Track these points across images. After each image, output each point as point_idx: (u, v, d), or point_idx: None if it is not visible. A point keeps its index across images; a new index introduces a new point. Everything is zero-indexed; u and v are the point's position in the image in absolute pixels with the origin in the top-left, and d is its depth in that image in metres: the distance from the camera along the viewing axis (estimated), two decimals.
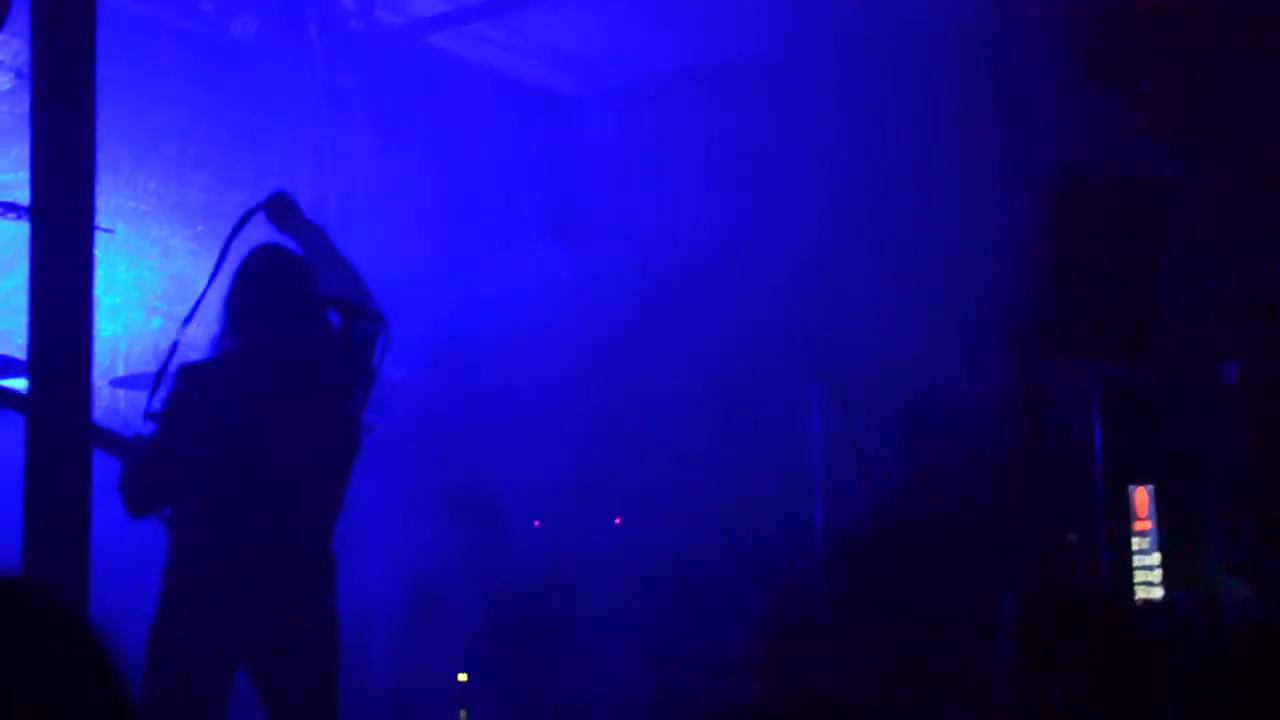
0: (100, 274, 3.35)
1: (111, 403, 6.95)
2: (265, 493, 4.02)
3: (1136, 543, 6.72)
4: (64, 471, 3.29)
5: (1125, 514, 6.73)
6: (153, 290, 7.42)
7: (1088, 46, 7.04)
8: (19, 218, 3.51)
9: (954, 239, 7.73)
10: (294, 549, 4.02)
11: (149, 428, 4.09)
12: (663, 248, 8.22)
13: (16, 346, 6.24)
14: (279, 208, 4.29)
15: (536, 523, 6.32)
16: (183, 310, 7.50)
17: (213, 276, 4.27)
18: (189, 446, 4.00)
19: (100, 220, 3.41)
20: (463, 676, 6.21)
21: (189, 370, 4.17)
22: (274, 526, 4.00)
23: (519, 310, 7.46)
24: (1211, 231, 6.86)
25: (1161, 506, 6.78)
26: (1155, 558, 6.73)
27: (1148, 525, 6.75)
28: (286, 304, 4.18)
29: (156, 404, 4.09)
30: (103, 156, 3.43)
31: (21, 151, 5.82)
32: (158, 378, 4.07)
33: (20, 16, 3.54)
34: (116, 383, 6.96)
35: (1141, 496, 6.79)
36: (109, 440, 4.23)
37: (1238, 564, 6.37)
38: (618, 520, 6.26)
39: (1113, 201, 6.70)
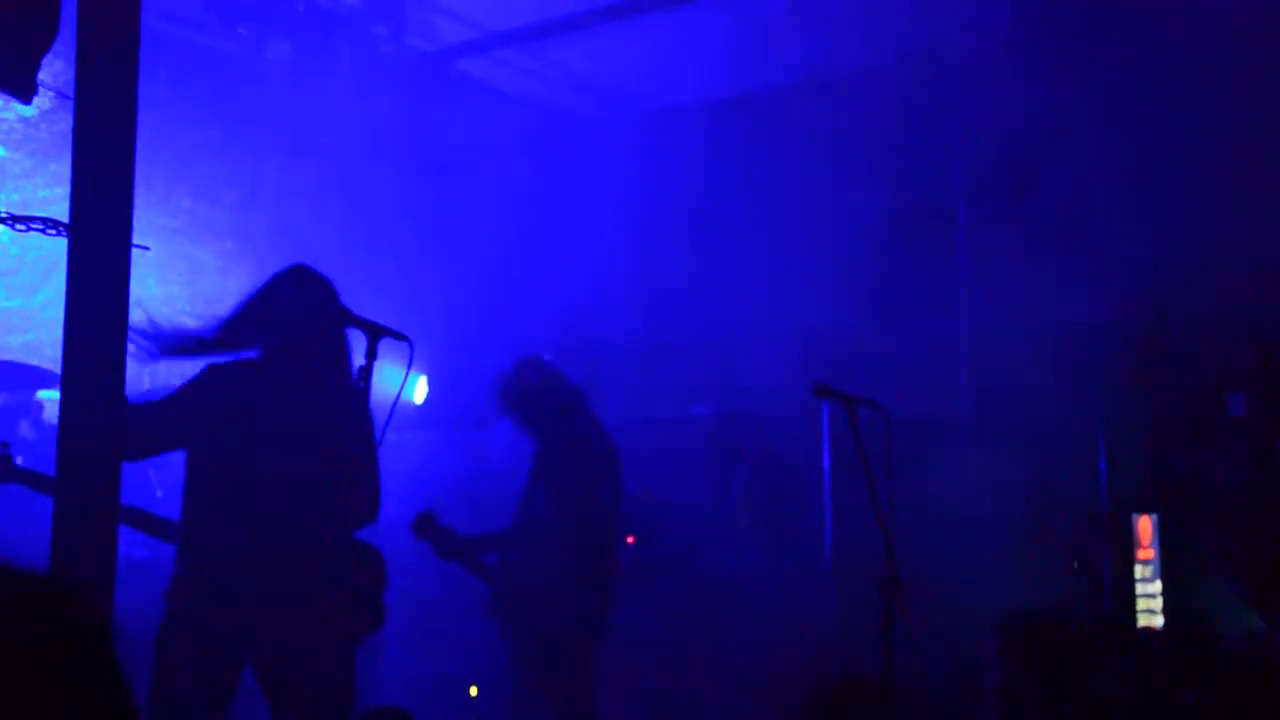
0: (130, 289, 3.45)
1: None
2: (276, 499, 4.11)
3: (1139, 571, 6.76)
4: (95, 481, 3.39)
5: (1128, 542, 6.78)
6: (181, 306, 7.55)
7: None
8: (58, 234, 3.61)
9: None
10: (302, 555, 4.10)
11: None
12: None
13: (48, 359, 6.39)
14: None
15: (630, 538, 6.36)
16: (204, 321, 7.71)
17: None
18: (180, 413, 4.18)
19: (132, 236, 3.50)
20: (473, 690, 6.30)
21: (216, 370, 4.29)
22: (282, 533, 4.09)
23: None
24: (1223, 259, 6.93)
25: (1165, 536, 6.82)
26: (1157, 586, 6.77)
27: (1150, 554, 6.79)
28: (311, 321, 4.29)
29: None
30: (137, 174, 3.53)
31: (59, 168, 5.97)
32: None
33: (61, 37, 3.66)
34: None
35: (1145, 525, 6.83)
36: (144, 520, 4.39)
37: (1254, 597, 6.40)
38: (630, 539, 6.33)
39: None
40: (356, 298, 4.37)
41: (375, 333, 3.92)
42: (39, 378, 6.07)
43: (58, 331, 3.39)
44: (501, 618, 5.34)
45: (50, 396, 5.93)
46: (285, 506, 4.15)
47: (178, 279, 7.47)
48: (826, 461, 6.31)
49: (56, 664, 1.23)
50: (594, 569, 5.23)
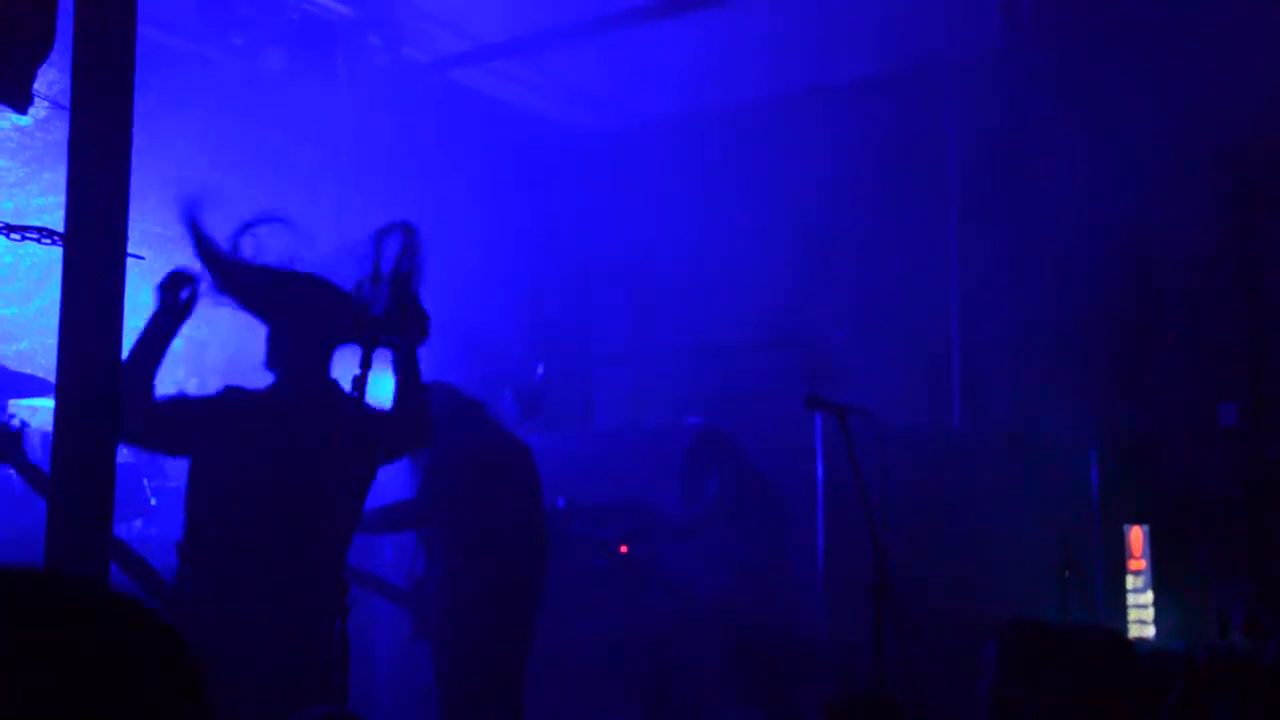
0: (126, 297, 3.46)
1: None
2: (291, 524, 4.05)
3: (1131, 581, 6.79)
4: (89, 491, 3.39)
5: (1120, 553, 6.80)
6: None
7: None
8: (53, 243, 3.62)
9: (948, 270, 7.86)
10: (313, 578, 4.06)
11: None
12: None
13: (41, 367, 6.39)
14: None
15: (624, 548, 6.34)
16: (202, 334, 7.73)
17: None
18: (190, 412, 4.13)
19: (127, 245, 3.51)
20: None
21: (235, 390, 4.23)
22: (296, 557, 4.04)
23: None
24: (1214, 272, 6.96)
25: (1157, 546, 6.85)
26: (1149, 597, 6.79)
27: (1142, 565, 6.82)
28: (329, 340, 4.24)
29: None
30: (131, 183, 3.53)
31: (53, 177, 5.97)
32: None
33: (57, 47, 3.67)
34: None
35: (1137, 536, 6.85)
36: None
37: (1243, 628, 6.43)
38: (623, 549, 6.34)
39: None
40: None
41: (369, 343, 3.92)
42: (36, 386, 6.04)
43: (52, 340, 3.39)
44: (425, 637, 5.31)
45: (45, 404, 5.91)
46: (299, 528, 4.08)
47: None
48: (820, 471, 6.34)
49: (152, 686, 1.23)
50: (498, 577, 5.18)
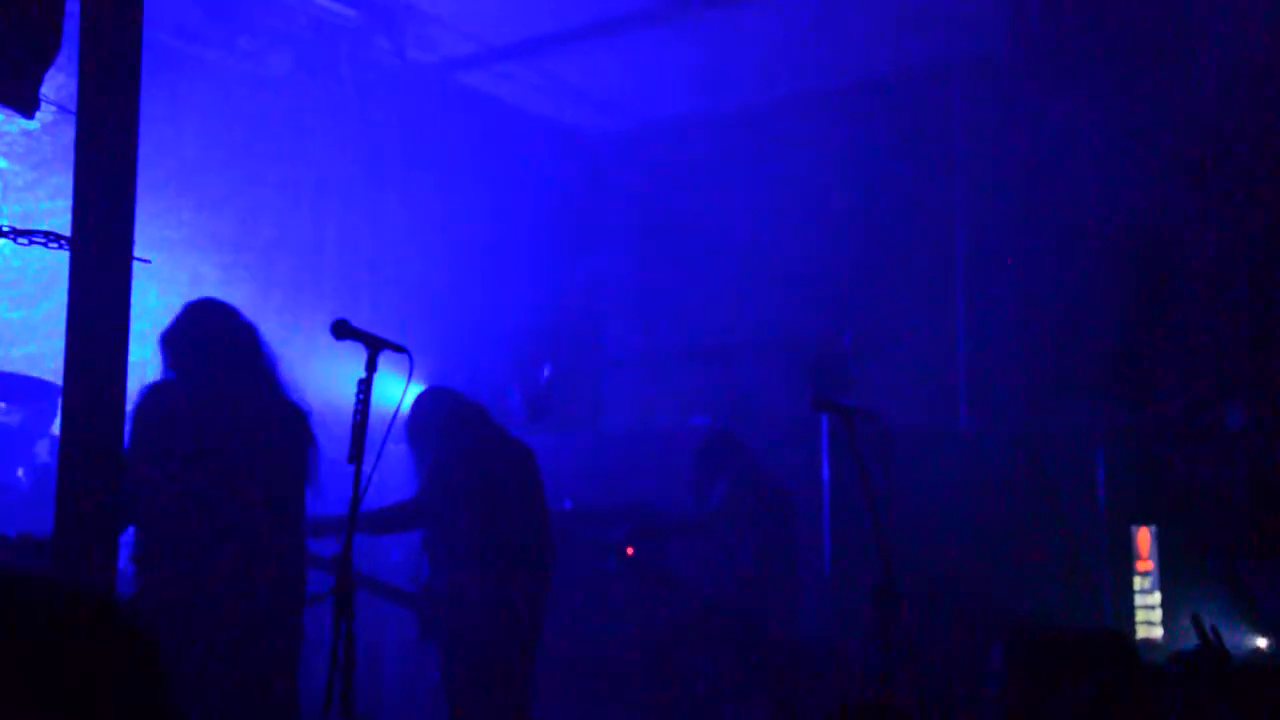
0: (132, 300, 3.47)
1: None
2: (246, 519, 4.08)
3: (1138, 582, 6.79)
4: (95, 493, 3.40)
5: (1128, 554, 6.80)
6: None
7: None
8: (60, 247, 3.63)
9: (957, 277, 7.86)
10: (272, 570, 4.10)
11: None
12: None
13: (49, 371, 6.41)
14: None
15: (630, 549, 6.34)
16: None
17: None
18: (165, 463, 4.09)
19: (134, 248, 3.52)
20: None
21: (159, 392, 4.22)
22: (253, 553, 4.07)
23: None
24: (1220, 272, 6.96)
25: (1164, 547, 6.84)
26: (1156, 598, 6.80)
27: (1149, 565, 6.82)
28: (219, 350, 4.31)
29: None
30: (138, 186, 3.55)
31: (61, 181, 5.99)
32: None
33: (65, 51, 3.69)
34: None
35: (1144, 536, 6.85)
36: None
37: (1260, 624, 6.41)
38: (630, 551, 6.34)
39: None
40: (356, 310, 4.38)
41: (374, 345, 3.93)
42: (56, 392, 6.02)
43: (60, 344, 3.40)
44: (432, 639, 5.34)
45: None
46: (244, 527, 4.11)
47: (179, 291, 7.48)
48: (826, 472, 6.34)
49: (113, 680, 1.23)
50: (504, 580, 5.20)
